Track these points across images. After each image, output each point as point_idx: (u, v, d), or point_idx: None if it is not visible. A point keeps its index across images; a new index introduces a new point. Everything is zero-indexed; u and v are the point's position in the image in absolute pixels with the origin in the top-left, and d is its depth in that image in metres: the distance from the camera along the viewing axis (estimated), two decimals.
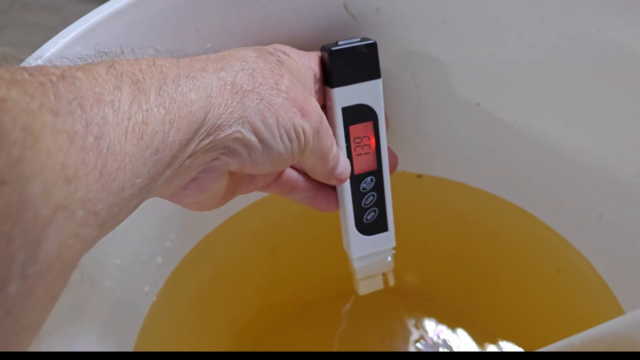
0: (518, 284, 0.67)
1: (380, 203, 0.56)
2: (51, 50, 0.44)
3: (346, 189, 0.55)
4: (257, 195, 0.69)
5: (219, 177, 0.42)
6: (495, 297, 0.67)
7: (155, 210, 0.60)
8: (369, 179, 0.55)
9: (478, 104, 0.62)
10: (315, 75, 0.50)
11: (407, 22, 0.56)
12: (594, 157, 0.59)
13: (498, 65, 0.58)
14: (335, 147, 0.49)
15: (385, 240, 0.57)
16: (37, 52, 0.44)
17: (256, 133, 0.40)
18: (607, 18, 0.51)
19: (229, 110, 0.38)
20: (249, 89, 0.40)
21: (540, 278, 0.67)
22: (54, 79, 0.29)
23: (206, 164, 0.41)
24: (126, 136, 0.31)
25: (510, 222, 0.68)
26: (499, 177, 0.67)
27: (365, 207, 0.56)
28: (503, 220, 0.69)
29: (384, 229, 0.57)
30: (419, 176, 0.70)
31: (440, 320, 0.68)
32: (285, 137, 0.42)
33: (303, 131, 0.42)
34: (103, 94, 0.30)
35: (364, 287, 0.60)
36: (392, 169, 0.58)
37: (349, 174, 0.52)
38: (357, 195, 0.55)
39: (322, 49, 0.51)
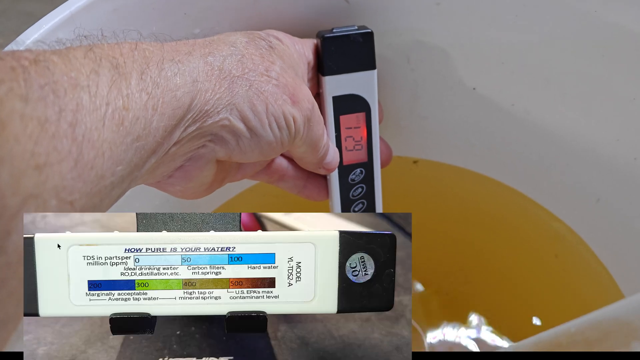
0: (516, 268, 0.67)
1: (369, 196, 0.55)
2: (33, 36, 0.42)
3: (334, 179, 0.54)
4: (248, 183, 0.68)
5: (206, 165, 0.41)
6: (493, 282, 0.66)
7: (145, 200, 0.59)
8: (358, 170, 0.54)
9: (474, 89, 0.61)
10: (309, 63, 0.48)
11: (401, 5, 0.55)
12: (592, 141, 0.58)
13: (494, 48, 0.57)
14: (325, 136, 0.48)
15: None
16: (19, 38, 0.42)
17: (244, 121, 0.39)
18: (600, 3, 0.50)
19: (217, 96, 0.37)
20: (237, 74, 0.39)
21: (539, 262, 0.66)
22: (26, 63, 0.27)
23: (193, 151, 0.39)
24: (104, 122, 0.29)
25: (508, 205, 0.68)
26: (497, 161, 0.66)
27: (353, 198, 0.55)
28: (501, 204, 0.68)
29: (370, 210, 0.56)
30: (415, 162, 0.69)
31: (437, 305, 0.67)
32: (274, 125, 0.40)
33: (293, 119, 0.41)
34: (79, 79, 0.29)
35: None
36: (386, 163, 0.58)
37: (337, 164, 0.51)
38: (345, 186, 0.54)
39: (317, 35, 0.50)
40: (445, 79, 0.61)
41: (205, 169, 0.41)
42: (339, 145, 0.52)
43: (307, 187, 0.54)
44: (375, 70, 0.51)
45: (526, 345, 0.38)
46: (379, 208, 0.56)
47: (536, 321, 0.63)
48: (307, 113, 0.42)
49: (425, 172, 0.70)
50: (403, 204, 0.64)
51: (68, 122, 0.27)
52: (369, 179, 0.54)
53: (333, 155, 0.50)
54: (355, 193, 0.54)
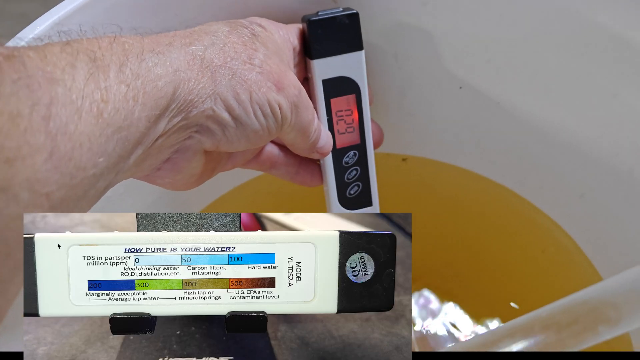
0: (504, 263, 0.67)
1: (364, 177, 0.54)
2: (28, 37, 0.41)
3: (328, 163, 0.52)
4: (242, 179, 0.67)
5: (194, 156, 0.40)
6: (481, 277, 0.66)
7: (138, 198, 0.58)
8: (351, 153, 0.52)
9: (461, 87, 0.61)
10: (294, 48, 0.47)
11: (389, 3, 0.55)
12: (576, 137, 0.58)
13: (480, 46, 0.57)
14: (316, 121, 0.46)
15: None
16: (15, 39, 0.41)
17: (229, 110, 0.38)
18: (581, 2, 0.50)
19: (200, 85, 0.36)
20: (220, 63, 0.38)
21: (526, 257, 0.66)
22: (0, 59, 0.27)
23: (179, 143, 0.39)
24: (81, 115, 0.29)
25: (496, 201, 0.68)
26: (484, 157, 0.66)
27: (348, 181, 0.53)
28: (489, 199, 0.68)
29: (368, 203, 0.55)
30: (404, 159, 0.69)
31: (426, 300, 0.66)
32: (259, 113, 0.39)
33: (279, 106, 0.40)
34: (54, 73, 0.29)
35: None
36: (378, 144, 0.56)
37: (331, 148, 0.50)
38: (339, 170, 0.52)
39: (302, 19, 0.49)
40: (433, 77, 0.61)
41: (193, 160, 0.41)
42: (331, 128, 0.51)
43: (300, 173, 0.53)
44: (363, 51, 0.50)
45: (502, 330, 0.37)
46: (374, 190, 0.55)
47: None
48: (293, 99, 0.42)
49: (414, 168, 0.69)
50: (392, 201, 0.64)
51: (41, 116, 0.27)
52: (362, 161, 0.53)
53: (326, 139, 0.49)
54: (350, 176, 0.53)
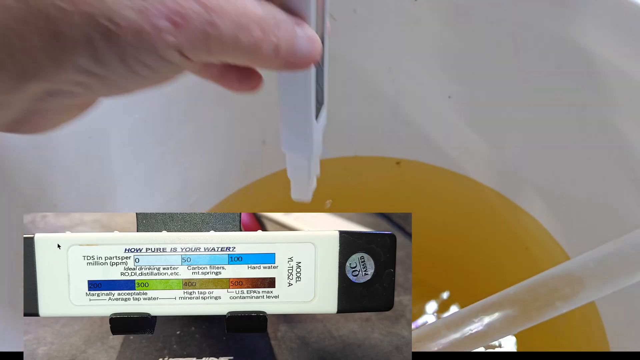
0: (490, 260, 0.68)
1: (320, 76, 0.35)
2: None
3: (307, 75, 0.33)
4: (241, 183, 0.67)
5: (60, 115, 0.30)
6: (470, 274, 0.68)
7: (138, 198, 0.58)
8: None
9: (449, 97, 0.63)
10: None
11: (382, 21, 0.57)
12: (554, 144, 0.61)
13: (465, 60, 0.60)
14: (272, 37, 0.28)
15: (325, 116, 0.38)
16: None
17: (88, 74, 0.26)
18: (556, 21, 0.53)
19: (30, 43, 0.24)
20: (68, 8, 0.23)
21: (511, 255, 0.69)
22: None
23: (28, 107, 0.28)
24: None
25: (482, 202, 0.70)
26: (472, 161, 0.69)
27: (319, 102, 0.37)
28: (476, 200, 0.70)
29: (322, 101, 0.37)
30: (398, 162, 0.70)
31: (417, 296, 0.66)
32: (141, 69, 0.26)
33: (178, 51, 0.26)
34: None
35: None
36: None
37: (317, 56, 0.30)
38: (319, 86, 0.35)
39: None
40: (424, 87, 0.63)
41: (55, 118, 0.30)
42: (320, 23, 0.32)
43: (225, 76, 0.36)
44: None
45: (477, 307, 0.40)
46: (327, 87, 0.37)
47: None
48: (203, 33, 0.25)
49: (407, 172, 0.71)
50: (387, 202, 0.64)
51: None
52: (321, 70, 0.35)
53: (307, 46, 0.29)
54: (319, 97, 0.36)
